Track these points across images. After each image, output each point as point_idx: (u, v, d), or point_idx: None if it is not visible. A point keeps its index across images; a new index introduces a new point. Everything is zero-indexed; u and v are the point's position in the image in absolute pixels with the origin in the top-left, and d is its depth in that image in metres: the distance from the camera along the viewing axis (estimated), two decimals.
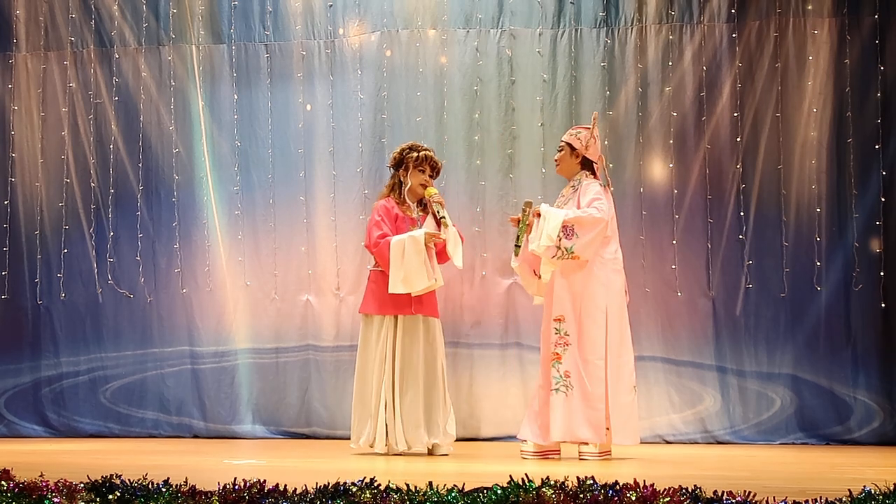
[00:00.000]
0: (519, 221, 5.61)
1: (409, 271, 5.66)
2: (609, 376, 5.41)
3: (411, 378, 5.75)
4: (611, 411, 5.39)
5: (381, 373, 5.76)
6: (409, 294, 5.75)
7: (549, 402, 5.47)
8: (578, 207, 5.54)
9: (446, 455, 5.76)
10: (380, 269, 5.84)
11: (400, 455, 5.68)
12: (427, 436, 5.75)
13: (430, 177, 5.96)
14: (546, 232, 5.39)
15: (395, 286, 5.69)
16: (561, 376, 5.45)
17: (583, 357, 5.44)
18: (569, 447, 5.59)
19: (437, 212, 5.83)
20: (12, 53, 7.86)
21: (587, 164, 5.69)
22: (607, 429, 5.40)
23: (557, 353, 5.49)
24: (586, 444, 5.41)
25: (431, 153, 5.99)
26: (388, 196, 6.00)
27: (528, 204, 5.63)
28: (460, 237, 5.93)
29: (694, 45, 7.24)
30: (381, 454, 5.70)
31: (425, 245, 5.70)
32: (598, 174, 5.69)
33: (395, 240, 5.73)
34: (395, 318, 5.81)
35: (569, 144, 5.70)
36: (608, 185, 5.70)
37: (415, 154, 5.94)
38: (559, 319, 5.51)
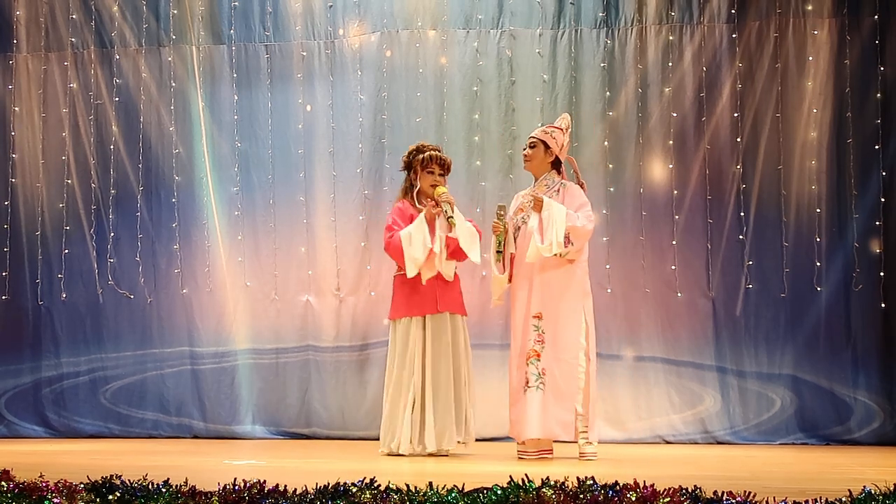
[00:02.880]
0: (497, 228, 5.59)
1: (415, 250, 5.70)
2: (586, 375, 5.43)
3: (442, 378, 5.72)
4: (588, 409, 5.41)
5: (411, 374, 5.75)
6: (434, 292, 5.76)
7: (526, 398, 5.48)
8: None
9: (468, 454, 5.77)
10: (402, 272, 5.80)
11: (431, 456, 5.63)
12: (455, 435, 5.72)
13: (441, 175, 5.93)
14: (556, 240, 5.37)
15: (410, 270, 5.71)
16: (539, 374, 5.46)
17: (556, 356, 5.44)
18: (571, 447, 5.59)
19: (446, 211, 5.80)
20: (13, 54, 7.86)
21: (556, 165, 5.69)
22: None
23: (536, 351, 5.50)
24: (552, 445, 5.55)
25: (438, 152, 5.95)
26: (403, 198, 6.01)
27: (502, 208, 5.63)
28: (477, 231, 5.91)
29: (694, 45, 7.24)
30: (409, 455, 5.64)
31: (426, 218, 5.73)
32: (565, 174, 5.69)
33: (403, 231, 5.76)
34: (424, 318, 5.81)
35: (543, 142, 5.67)
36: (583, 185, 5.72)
37: (421, 156, 5.93)
38: (538, 317, 5.52)
